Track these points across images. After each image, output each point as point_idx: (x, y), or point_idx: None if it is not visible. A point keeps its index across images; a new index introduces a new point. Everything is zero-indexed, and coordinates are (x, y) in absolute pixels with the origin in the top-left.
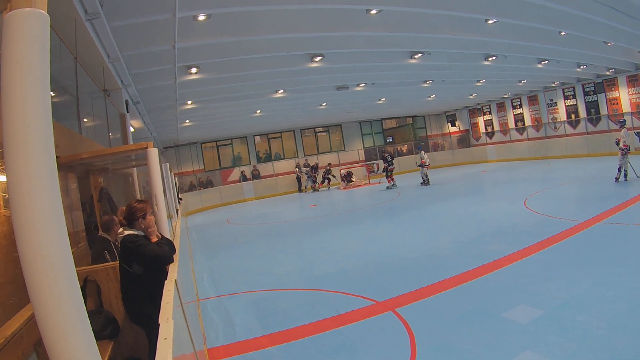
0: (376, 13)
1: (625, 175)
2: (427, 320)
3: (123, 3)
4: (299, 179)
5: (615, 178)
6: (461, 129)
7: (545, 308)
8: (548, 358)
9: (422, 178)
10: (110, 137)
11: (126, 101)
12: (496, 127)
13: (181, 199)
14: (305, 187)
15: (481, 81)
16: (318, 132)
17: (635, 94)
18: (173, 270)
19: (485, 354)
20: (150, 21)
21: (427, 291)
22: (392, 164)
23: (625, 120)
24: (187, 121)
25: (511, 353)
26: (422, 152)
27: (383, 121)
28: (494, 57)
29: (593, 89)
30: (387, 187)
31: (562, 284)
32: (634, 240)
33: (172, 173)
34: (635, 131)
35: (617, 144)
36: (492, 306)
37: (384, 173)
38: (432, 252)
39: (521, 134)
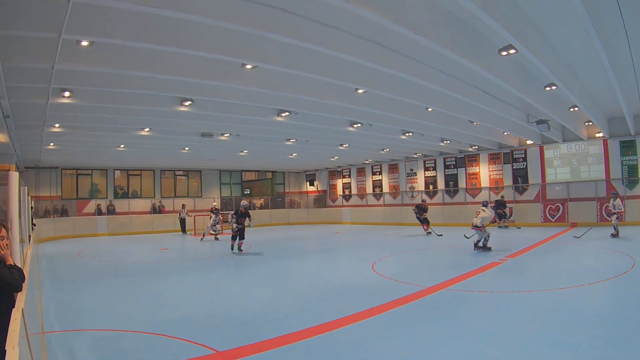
0: (251, 68)
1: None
2: None
3: (12, 13)
4: (182, 220)
5: (612, 235)
6: (319, 189)
7: None
8: None
9: None
10: None
11: None
12: (354, 191)
13: (35, 225)
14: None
15: (344, 145)
16: (178, 175)
17: (495, 170)
18: (21, 299)
19: None
20: (36, 37)
21: (268, 344)
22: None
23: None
24: (52, 144)
25: None
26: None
27: (243, 173)
28: (359, 124)
29: (454, 162)
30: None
31: (398, 344)
32: (476, 306)
33: (30, 196)
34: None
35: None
36: None
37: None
38: (277, 307)
39: (378, 199)
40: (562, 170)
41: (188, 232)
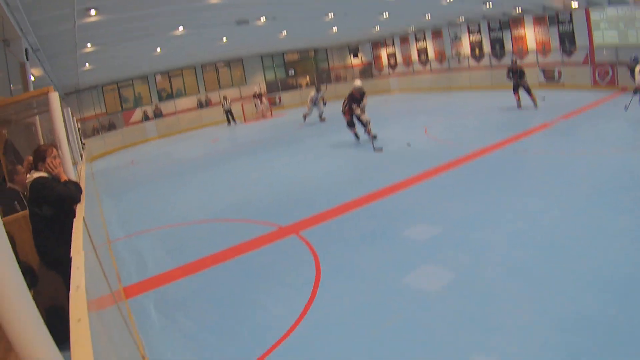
0: None
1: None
2: (330, 241)
3: None
4: (228, 112)
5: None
6: (364, 60)
7: (444, 226)
8: (445, 270)
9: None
10: (12, 88)
11: (26, 49)
12: (399, 60)
13: (84, 144)
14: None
15: (385, 14)
16: (219, 67)
17: (541, 33)
18: (80, 209)
19: (384, 270)
20: None
21: (329, 214)
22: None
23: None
24: (88, 64)
25: (410, 267)
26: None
27: (285, 55)
28: None
29: (498, 26)
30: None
31: (459, 205)
32: (531, 167)
33: (74, 118)
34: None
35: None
36: (392, 226)
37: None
38: (335, 179)
39: (424, 66)
40: (610, 33)
41: (237, 121)
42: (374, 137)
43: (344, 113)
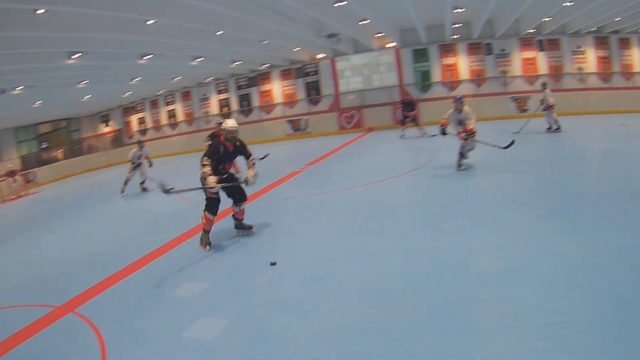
0: (43, 12)
1: (557, 127)
2: (109, 311)
3: None
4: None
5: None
6: (114, 128)
7: (210, 281)
8: (219, 318)
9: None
10: None
11: None
12: (149, 124)
13: None
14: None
15: (136, 79)
16: None
17: (287, 85)
18: None
19: (164, 329)
20: None
21: (102, 285)
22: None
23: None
24: None
25: (187, 321)
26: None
27: (38, 126)
28: (150, 56)
29: (247, 82)
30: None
31: (221, 258)
32: (285, 211)
33: None
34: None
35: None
36: (165, 287)
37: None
38: (102, 249)
39: (174, 129)
40: (355, 79)
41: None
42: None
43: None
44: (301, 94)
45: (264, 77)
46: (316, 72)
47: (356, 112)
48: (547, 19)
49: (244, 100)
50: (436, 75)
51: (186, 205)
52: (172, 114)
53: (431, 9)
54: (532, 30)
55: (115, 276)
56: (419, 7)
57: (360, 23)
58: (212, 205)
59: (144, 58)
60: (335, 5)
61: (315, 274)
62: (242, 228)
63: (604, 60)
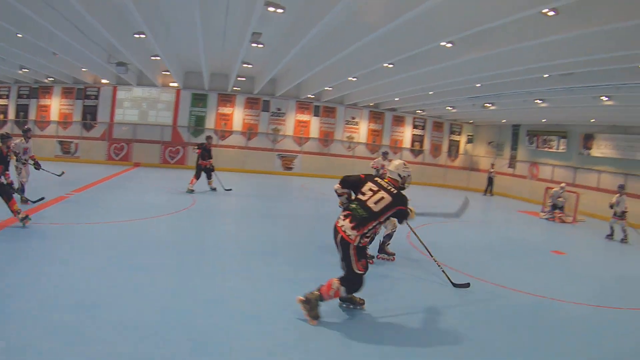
0: None
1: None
2: None
3: None
4: None
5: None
6: None
7: None
8: None
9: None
10: None
11: None
12: None
13: None
14: None
15: None
16: None
17: (66, 105)
18: None
19: None
20: None
21: None
22: None
23: (623, 185)
24: None
25: None
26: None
27: None
28: None
29: (28, 92)
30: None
31: None
32: (50, 238)
33: None
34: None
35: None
36: None
37: None
38: None
39: None
40: (131, 112)
41: None
42: None
43: None
44: (77, 116)
45: (46, 90)
46: (96, 97)
47: (126, 145)
48: (328, 88)
49: (22, 110)
50: (210, 122)
51: None
52: None
53: (222, 58)
54: (311, 96)
55: None
56: (212, 54)
57: (151, 58)
58: None
59: None
60: (136, 35)
61: (85, 301)
62: None
63: (375, 134)
